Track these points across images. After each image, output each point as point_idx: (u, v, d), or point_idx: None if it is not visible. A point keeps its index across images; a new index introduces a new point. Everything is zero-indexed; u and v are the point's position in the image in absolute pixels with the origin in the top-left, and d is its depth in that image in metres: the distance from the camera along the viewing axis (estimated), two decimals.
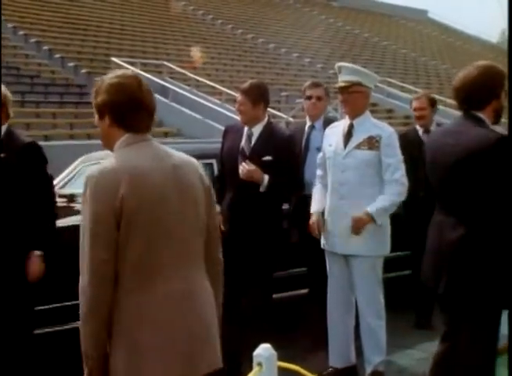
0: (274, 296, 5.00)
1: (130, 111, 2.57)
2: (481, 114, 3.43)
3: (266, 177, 4.62)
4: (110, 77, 2.62)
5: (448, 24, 51.26)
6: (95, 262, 2.40)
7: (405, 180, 4.58)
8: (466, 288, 3.33)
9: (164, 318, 2.47)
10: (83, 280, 2.44)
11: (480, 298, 3.31)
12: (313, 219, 4.84)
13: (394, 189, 4.55)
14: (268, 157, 4.70)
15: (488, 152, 3.25)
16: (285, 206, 5.14)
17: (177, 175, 2.55)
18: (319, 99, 5.46)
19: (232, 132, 4.96)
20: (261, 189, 4.63)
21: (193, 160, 2.71)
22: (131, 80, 2.61)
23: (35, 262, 3.99)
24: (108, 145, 2.64)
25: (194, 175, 2.63)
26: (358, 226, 4.52)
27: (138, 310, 2.44)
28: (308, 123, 5.53)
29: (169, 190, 2.51)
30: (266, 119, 4.86)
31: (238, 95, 4.90)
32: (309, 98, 5.48)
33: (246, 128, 4.85)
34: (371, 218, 4.51)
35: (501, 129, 3.43)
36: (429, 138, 3.81)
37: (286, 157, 4.74)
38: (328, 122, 5.41)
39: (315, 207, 4.88)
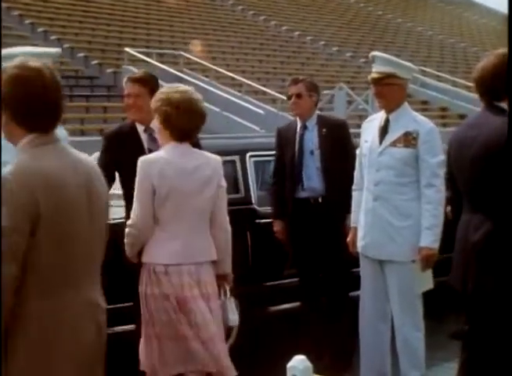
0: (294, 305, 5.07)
1: (31, 109, 2.48)
2: (504, 104, 3.40)
3: None
4: (11, 66, 2.50)
5: (490, 6, 50.79)
6: (9, 279, 2.34)
7: (443, 188, 4.46)
8: (496, 287, 3.31)
9: (80, 327, 2.52)
10: None
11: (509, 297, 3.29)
12: (350, 235, 4.88)
13: (434, 197, 4.45)
14: None
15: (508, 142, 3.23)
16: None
17: (87, 180, 2.56)
18: (298, 96, 5.33)
19: None
20: None
21: (94, 164, 2.74)
22: (32, 72, 2.48)
23: None
24: (11, 142, 2.55)
25: (99, 180, 2.65)
26: (429, 265, 4.49)
27: (53, 316, 2.45)
28: (300, 123, 5.43)
29: (81, 194, 2.52)
30: None
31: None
32: (289, 97, 5.42)
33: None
34: (434, 248, 4.48)
35: None
36: (452, 133, 3.78)
37: None
38: (323, 120, 5.42)
39: (352, 219, 4.89)
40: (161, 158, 3.79)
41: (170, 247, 3.75)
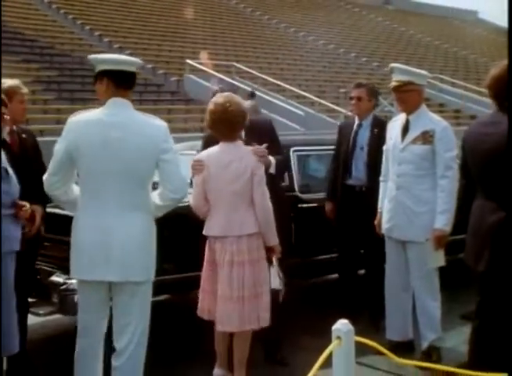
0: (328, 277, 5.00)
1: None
2: None
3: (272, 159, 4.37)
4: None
5: (498, 24, 49.73)
6: None
7: (456, 179, 4.36)
8: (507, 266, 3.25)
9: None
10: None
11: None
12: (376, 219, 4.84)
13: (447, 187, 4.41)
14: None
15: None
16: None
17: None
18: (359, 99, 5.32)
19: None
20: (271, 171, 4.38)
21: None
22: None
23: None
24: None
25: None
26: (441, 245, 4.43)
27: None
28: (357, 121, 5.40)
29: None
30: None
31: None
32: (351, 98, 5.41)
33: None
34: (446, 231, 4.42)
35: None
36: (467, 130, 3.70)
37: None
38: (377, 121, 5.36)
39: (379, 205, 4.86)
40: (211, 154, 4.05)
41: (217, 223, 4.00)
